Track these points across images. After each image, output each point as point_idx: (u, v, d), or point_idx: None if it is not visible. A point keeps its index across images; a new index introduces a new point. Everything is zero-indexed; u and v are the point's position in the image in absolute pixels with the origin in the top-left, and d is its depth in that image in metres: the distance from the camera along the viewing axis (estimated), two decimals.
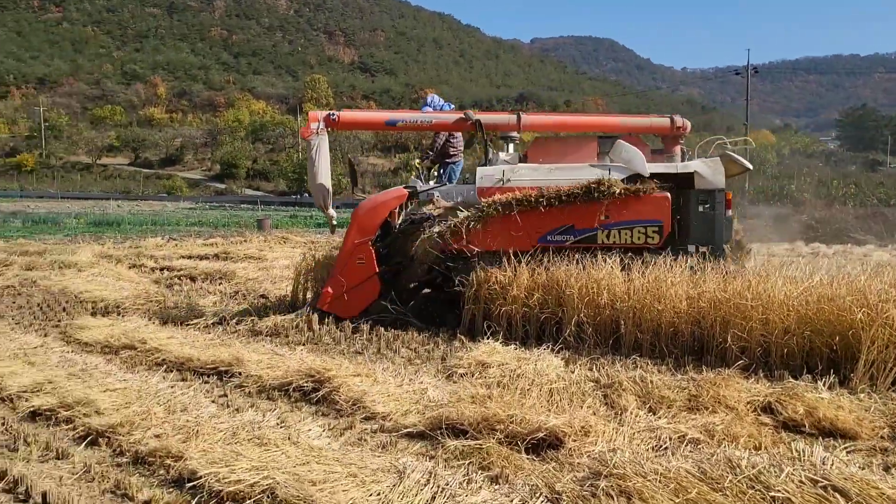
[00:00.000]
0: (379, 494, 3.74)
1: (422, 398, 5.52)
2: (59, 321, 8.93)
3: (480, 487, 3.86)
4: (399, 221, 8.77)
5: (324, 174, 8.61)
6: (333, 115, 8.77)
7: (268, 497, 3.75)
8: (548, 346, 6.94)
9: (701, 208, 7.98)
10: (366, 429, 5.06)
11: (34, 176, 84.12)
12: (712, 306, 6.80)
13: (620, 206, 7.81)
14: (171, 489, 4.03)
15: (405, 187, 9.06)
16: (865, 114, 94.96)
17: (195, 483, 3.97)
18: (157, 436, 4.64)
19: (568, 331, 7.20)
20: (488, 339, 7.25)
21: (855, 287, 6.42)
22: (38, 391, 5.66)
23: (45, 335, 8.03)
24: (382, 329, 8.04)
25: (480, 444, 4.49)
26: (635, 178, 8.00)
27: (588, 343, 7.10)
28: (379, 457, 4.32)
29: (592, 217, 7.86)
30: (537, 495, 3.74)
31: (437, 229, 8.18)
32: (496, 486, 3.94)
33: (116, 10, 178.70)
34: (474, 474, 4.03)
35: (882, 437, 4.91)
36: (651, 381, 5.70)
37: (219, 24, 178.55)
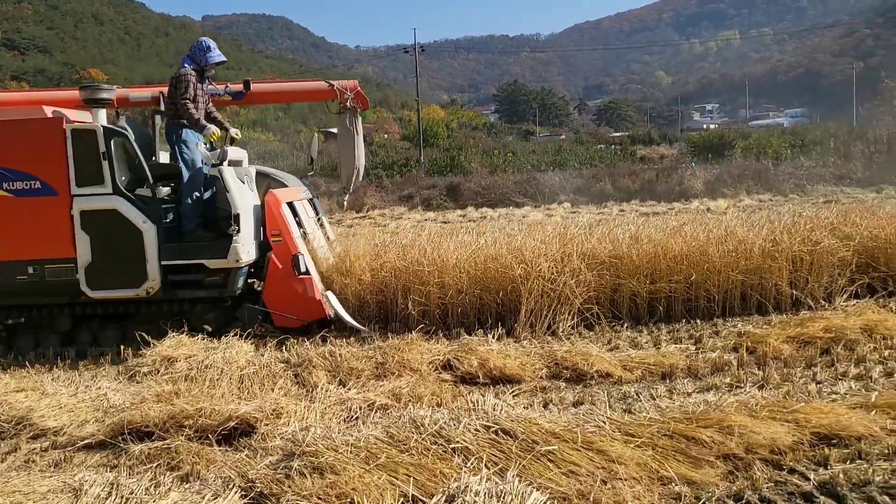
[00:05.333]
0: None
1: (101, 405, 5.11)
2: None
3: (169, 489, 3.66)
4: None
5: None
6: None
7: None
8: (236, 333, 6.78)
9: None
10: (34, 448, 4.56)
11: None
12: (394, 275, 7.12)
13: None
14: None
15: None
16: (517, 89, 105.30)
17: None
18: None
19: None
20: (174, 332, 6.89)
21: (513, 246, 7.15)
22: None
23: None
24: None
25: (168, 444, 4.28)
26: None
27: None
28: (50, 477, 3.90)
29: None
30: (230, 487, 3.65)
31: None
32: (187, 485, 3.77)
33: None
34: (162, 476, 3.81)
35: (541, 378, 5.57)
36: (340, 355, 5.82)
37: None
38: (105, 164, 6.69)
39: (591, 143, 44.16)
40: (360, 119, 8.06)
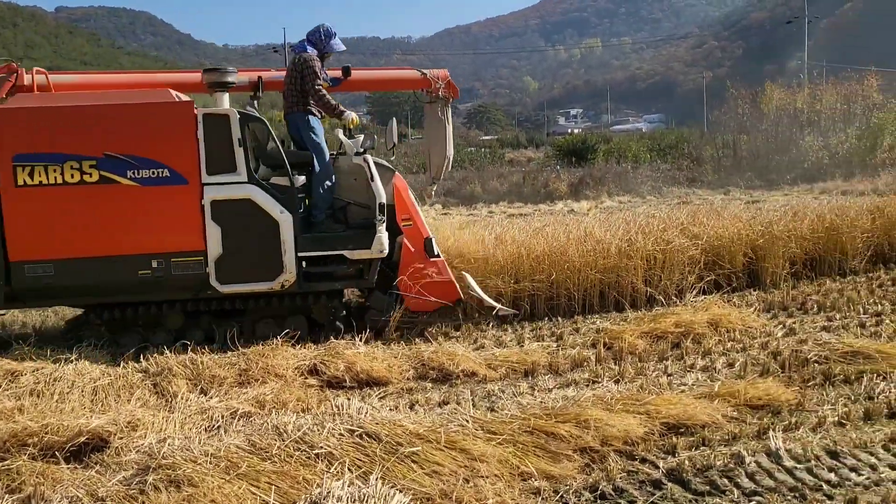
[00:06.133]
0: None
1: None
2: None
3: None
4: None
5: None
6: None
7: None
8: (90, 343, 6.42)
9: None
10: None
11: None
12: None
13: None
14: None
15: None
16: (388, 90, 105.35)
17: None
18: None
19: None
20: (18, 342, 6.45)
21: None
22: None
23: None
24: None
25: (9, 465, 3.99)
26: None
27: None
28: None
29: None
30: None
31: None
32: None
33: None
34: (0, 501, 3.57)
35: (408, 379, 5.61)
36: (202, 363, 5.63)
37: None
38: (240, 150, 6.27)
39: (462, 146, 44.81)
40: (450, 109, 7.91)
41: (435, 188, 8.53)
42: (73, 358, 5.65)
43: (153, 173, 6.17)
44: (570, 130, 69.86)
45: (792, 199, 15.63)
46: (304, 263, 6.51)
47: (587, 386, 5.25)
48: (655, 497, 3.67)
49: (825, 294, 7.84)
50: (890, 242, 9.21)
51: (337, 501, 3.22)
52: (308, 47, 6.96)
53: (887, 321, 6.69)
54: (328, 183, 6.75)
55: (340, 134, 7.01)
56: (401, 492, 3.39)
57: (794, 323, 6.82)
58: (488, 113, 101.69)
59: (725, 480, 3.77)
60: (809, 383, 5.12)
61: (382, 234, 6.58)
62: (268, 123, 6.66)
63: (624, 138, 36.62)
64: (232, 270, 6.34)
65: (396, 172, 7.14)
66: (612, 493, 3.72)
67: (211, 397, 5.05)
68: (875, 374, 5.18)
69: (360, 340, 6.18)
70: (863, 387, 5.00)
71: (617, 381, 5.33)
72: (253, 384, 5.33)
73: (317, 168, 6.73)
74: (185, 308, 6.61)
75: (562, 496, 3.69)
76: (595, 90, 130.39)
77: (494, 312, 7.00)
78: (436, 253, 6.85)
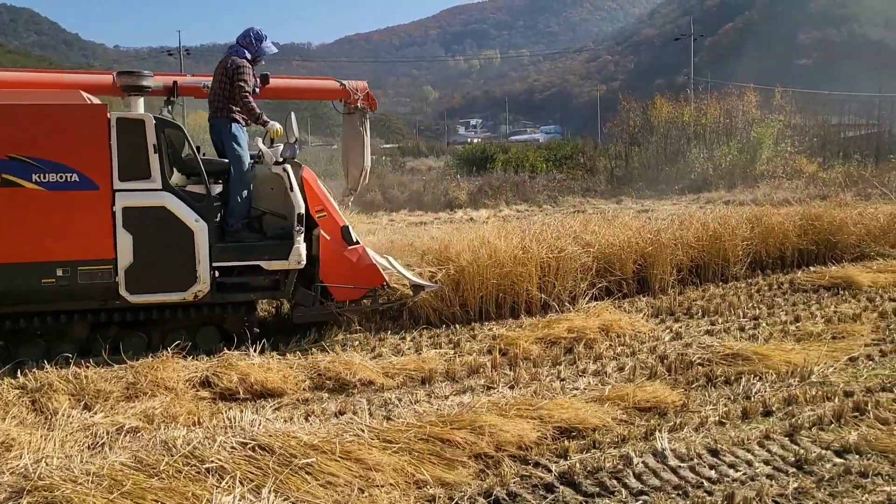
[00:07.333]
0: None
1: None
2: None
3: None
4: None
5: None
6: None
7: None
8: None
9: None
10: None
11: None
12: None
13: None
14: None
15: None
16: None
17: None
18: None
19: None
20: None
21: None
22: None
23: None
24: None
25: None
26: None
27: None
28: None
29: None
30: None
31: None
32: None
33: None
34: None
35: (304, 389, 5.53)
36: (86, 377, 5.36)
37: None
38: (155, 157, 5.95)
39: None
40: (368, 120, 7.82)
41: (352, 199, 8.48)
42: None
43: (61, 178, 5.89)
44: (469, 140, 70.78)
45: (679, 209, 16.32)
46: (217, 273, 6.35)
47: (483, 392, 5.31)
48: (548, 500, 3.74)
49: (709, 299, 8.21)
50: (767, 250, 9.76)
51: None
52: (240, 52, 6.80)
53: (763, 324, 7.08)
54: (245, 192, 6.60)
55: (260, 143, 6.89)
56: None
57: (681, 327, 7.12)
58: (389, 121, 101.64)
59: (614, 481, 3.89)
60: (693, 385, 5.35)
61: (300, 245, 6.49)
62: (184, 130, 6.45)
63: (522, 148, 37.22)
64: (143, 280, 6.12)
65: (304, 166, 7.04)
66: (507, 498, 3.77)
67: (95, 413, 4.83)
68: (752, 375, 5.47)
69: (255, 351, 6.04)
70: (741, 387, 5.27)
71: (512, 387, 5.41)
72: (141, 398, 5.13)
73: (234, 177, 6.56)
74: (91, 318, 6.31)
75: (457, 502, 3.72)
76: (494, 101, 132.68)
77: (419, 291, 7.03)
78: (354, 240, 6.82)
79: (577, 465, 4.05)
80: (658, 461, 4.10)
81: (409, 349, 6.60)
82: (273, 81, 7.49)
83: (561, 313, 7.49)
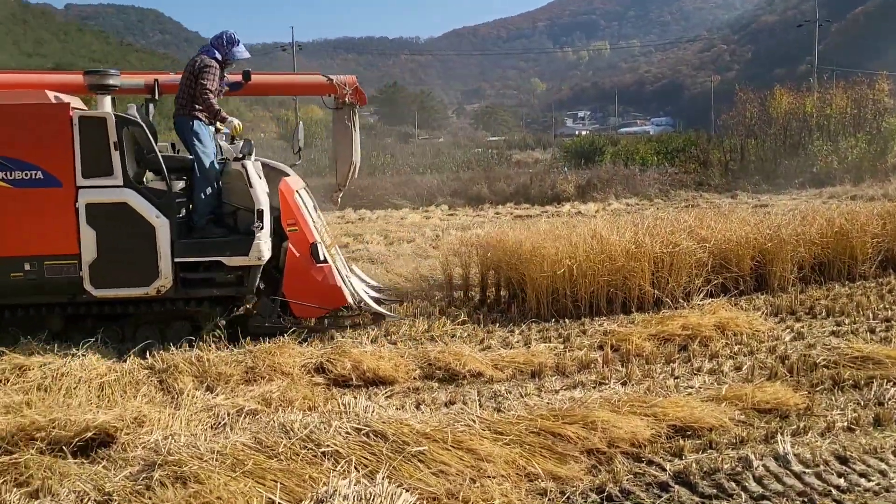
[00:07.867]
0: None
1: None
2: None
3: None
4: None
5: None
6: None
7: None
8: (97, 338, 6.44)
9: None
10: None
11: None
12: None
13: None
14: None
15: None
16: (396, 91, 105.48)
17: None
18: None
19: None
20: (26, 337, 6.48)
21: None
22: None
23: None
24: None
25: (17, 459, 4.00)
26: None
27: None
28: None
29: None
30: (85, 501, 3.47)
31: None
32: (36, 502, 3.56)
33: None
34: (8, 493, 3.58)
35: (415, 378, 5.60)
36: (208, 360, 5.63)
37: None
38: (116, 154, 6.21)
39: (469, 147, 44.81)
40: (357, 115, 7.87)
41: (341, 195, 8.51)
42: (79, 353, 5.66)
43: (26, 175, 6.12)
44: (577, 132, 69.82)
45: (800, 204, 15.58)
46: (180, 269, 6.43)
47: (594, 388, 5.23)
48: (662, 499, 3.65)
49: (834, 298, 7.79)
50: None
51: (343, 500, 3.21)
52: (211, 53, 6.92)
53: None
54: (209, 189, 6.69)
55: (222, 140, 7.00)
56: (407, 491, 3.39)
57: (803, 327, 6.79)
58: (496, 114, 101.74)
59: (733, 484, 3.75)
60: (818, 388, 5.09)
61: (261, 241, 6.44)
62: (145, 127, 6.53)
63: (631, 141, 36.47)
64: (106, 275, 6.27)
65: (285, 177, 7.09)
66: (619, 495, 3.70)
67: (217, 394, 5.06)
68: (885, 380, 5.15)
69: (367, 339, 6.17)
70: (872, 392, 4.97)
71: (624, 384, 5.31)
72: (259, 382, 5.34)
73: (197, 173, 6.65)
74: (64, 311, 6.54)
75: (568, 497, 3.68)
76: (603, 92, 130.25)
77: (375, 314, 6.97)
78: (322, 258, 6.78)
79: (693, 465, 3.93)
80: (780, 465, 3.92)
81: (517, 342, 6.57)
82: (257, 78, 7.59)
83: (674, 310, 7.28)
